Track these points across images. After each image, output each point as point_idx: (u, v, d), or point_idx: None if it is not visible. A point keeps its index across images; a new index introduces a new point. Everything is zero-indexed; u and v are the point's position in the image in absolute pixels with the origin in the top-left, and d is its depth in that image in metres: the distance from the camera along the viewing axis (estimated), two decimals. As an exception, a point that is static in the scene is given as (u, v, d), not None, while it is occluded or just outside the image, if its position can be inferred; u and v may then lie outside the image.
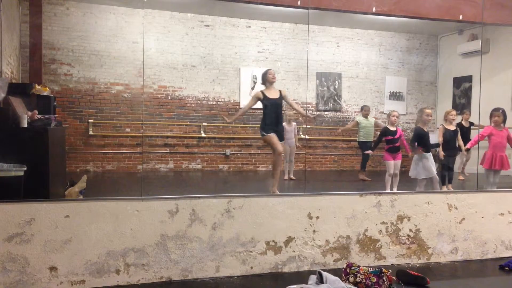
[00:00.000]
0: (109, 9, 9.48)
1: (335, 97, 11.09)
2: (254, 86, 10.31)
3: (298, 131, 8.34)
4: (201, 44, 10.13)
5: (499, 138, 5.99)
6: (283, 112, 7.03)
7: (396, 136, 6.42)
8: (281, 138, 5.93)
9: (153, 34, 9.78)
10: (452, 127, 6.55)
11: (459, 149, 6.83)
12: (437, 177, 5.98)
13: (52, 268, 3.28)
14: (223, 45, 10.27)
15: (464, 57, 10.66)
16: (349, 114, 11.15)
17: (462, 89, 10.88)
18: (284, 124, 7.93)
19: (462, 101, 10.86)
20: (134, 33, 9.43)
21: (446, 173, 6.59)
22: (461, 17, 5.49)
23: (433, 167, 5.92)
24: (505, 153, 6.02)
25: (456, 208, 4.33)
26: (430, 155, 5.94)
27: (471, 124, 8.50)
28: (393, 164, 6.40)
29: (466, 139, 8.07)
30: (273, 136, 5.80)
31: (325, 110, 11.05)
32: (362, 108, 9.04)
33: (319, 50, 10.91)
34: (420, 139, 5.96)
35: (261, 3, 7.32)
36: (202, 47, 10.15)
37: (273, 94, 5.84)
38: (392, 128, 6.48)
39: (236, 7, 9.48)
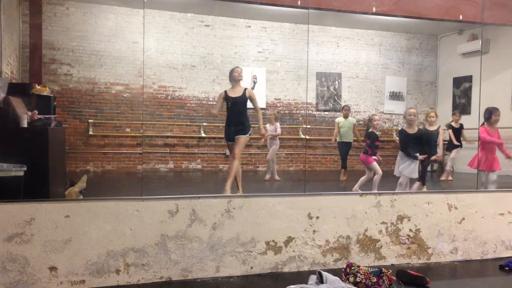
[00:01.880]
0: (109, 9, 9.48)
1: (335, 97, 11.09)
2: (254, 86, 10.31)
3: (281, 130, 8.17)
4: (201, 44, 10.13)
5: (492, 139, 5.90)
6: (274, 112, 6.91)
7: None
8: (240, 133, 5.63)
9: (153, 34, 9.78)
10: (432, 128, 6.49)
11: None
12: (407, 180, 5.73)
13: (52, 268, 3.28)
14: (223, 45, 10.27)
15: (464, 57, 10.65)
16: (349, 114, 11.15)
17: (462, 89, 10.88)
18: (267, 125, 7.90)
19: (462, 101, 10.86)
20: (134, 33, 9.43)
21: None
22: (461, 17, 5.48)
23: (415, 168, 5.67)
24: (496, 155, 5.90)
25: (456, 208, 4.33)
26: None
27: (461, 126, 8.50)
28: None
29: (457, 140, 8.19)
30: (229, 146, 5.78)
31: (325, 110, 11.05)
32: (342, 108, 8.98)
33: (319, 50, 10.90)
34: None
35: (261, 3, 7.31)
36: (202, 47, 10.14)
37: (235, 93, 5.62)
38: (378, 133, 6.32)
39: (236, 7, 9.48)
